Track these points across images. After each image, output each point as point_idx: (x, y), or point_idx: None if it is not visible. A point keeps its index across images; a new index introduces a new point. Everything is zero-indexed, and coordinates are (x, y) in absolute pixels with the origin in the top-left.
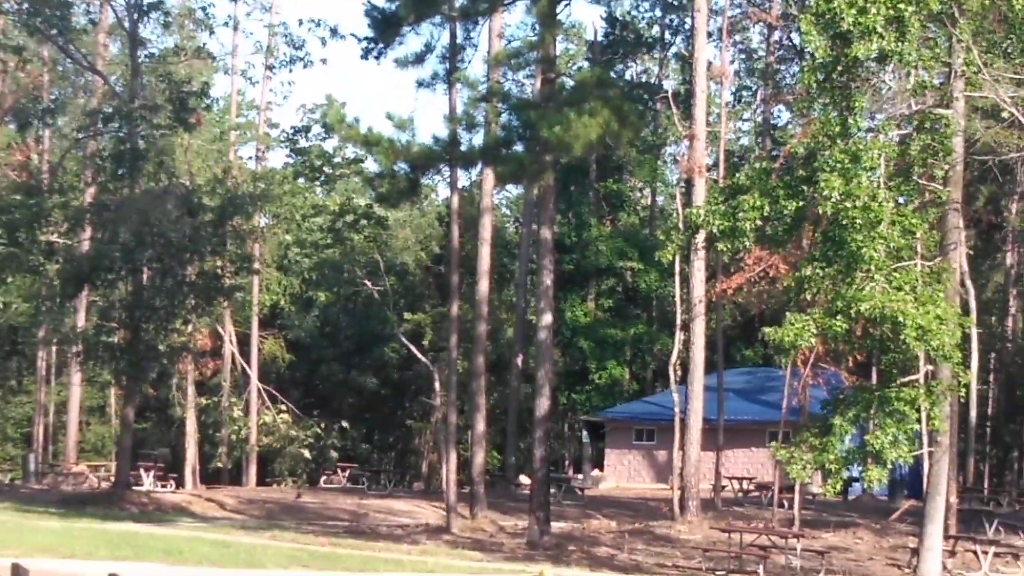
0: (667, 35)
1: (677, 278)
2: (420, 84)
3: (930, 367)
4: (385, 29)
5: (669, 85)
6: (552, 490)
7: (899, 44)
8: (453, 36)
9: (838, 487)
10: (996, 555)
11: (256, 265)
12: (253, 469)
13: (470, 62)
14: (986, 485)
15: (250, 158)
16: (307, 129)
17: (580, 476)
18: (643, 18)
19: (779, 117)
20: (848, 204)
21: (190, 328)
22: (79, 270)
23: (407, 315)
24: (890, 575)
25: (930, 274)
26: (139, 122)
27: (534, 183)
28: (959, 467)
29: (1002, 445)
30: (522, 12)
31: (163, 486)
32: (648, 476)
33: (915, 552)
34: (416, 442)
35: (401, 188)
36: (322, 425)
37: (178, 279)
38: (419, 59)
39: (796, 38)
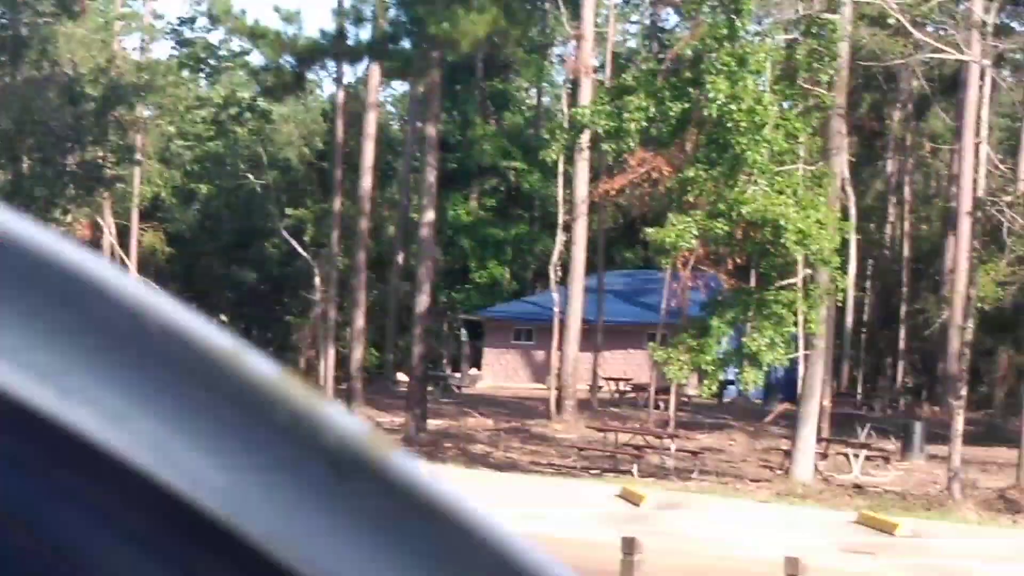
0: None
1: (560, 178)
2: None
3: (809, 271)
4: None
5: None
6: (429, 388)
7: None
8: None
9: (714, 388)
10: (867, 458)
11: (138, 156)
12: None
13: None
14: (859, 390)
15: (135, 49)
16: (193, 20)
17: (458, 374)
18: None
19: (667, 20)
20: (733, 107)
21: (69, 218)
22: None
23: (289, 210)
24: (762, 476)
25: (812, 178)
26: (22, 9)
27: (420, 79)
28: (834, 372)
29: (876, 351)
30: None
31: None
32: (526, 376)
33: (788, 454)
34: (294, 338)
35: (287, 82)
36: None
37: (58, 168)
38: None
39: None
